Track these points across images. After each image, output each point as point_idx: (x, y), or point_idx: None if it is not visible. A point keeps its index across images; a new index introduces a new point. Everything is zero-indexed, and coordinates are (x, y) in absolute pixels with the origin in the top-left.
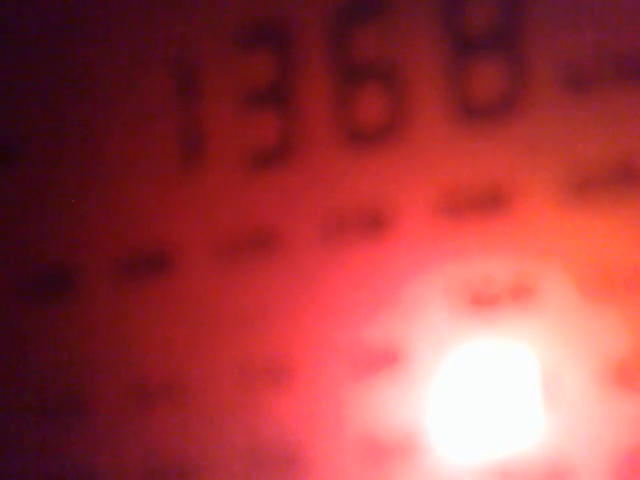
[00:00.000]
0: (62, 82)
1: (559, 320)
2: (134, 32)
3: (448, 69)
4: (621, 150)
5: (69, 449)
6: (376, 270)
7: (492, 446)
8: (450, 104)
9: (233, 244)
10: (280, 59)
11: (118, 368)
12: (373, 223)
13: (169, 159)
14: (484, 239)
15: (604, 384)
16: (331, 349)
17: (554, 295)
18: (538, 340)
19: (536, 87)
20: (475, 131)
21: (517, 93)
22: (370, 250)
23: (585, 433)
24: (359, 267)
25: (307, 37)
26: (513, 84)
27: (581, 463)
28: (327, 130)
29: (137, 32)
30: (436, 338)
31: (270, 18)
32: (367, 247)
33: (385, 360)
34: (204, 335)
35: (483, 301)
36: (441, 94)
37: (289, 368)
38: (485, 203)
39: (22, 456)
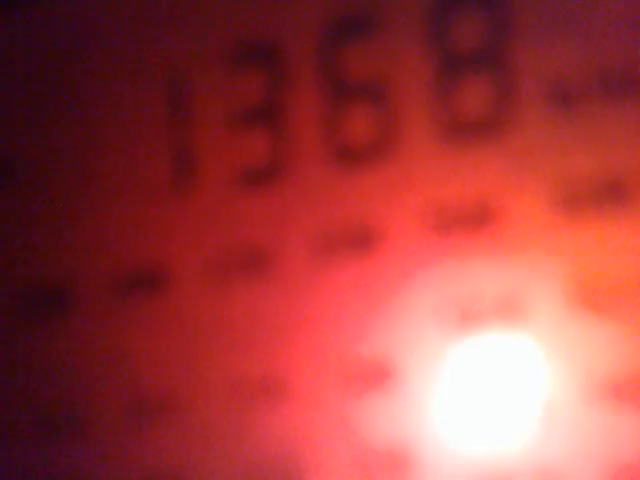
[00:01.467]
0: (55, 102)
1: (547, 335)
2: (125, 53)
3: (436, 87)
4: (608, 166)
5: (65, 467)
6: (365, 286)
7: (482, 458)
8: (438, 122)
9: (224, 262)
10: (269, 78)
11: (113, 385)
12: (362, 240)
13: (161, 178)
14: (472, 255)
15: (593, 398)
16: (323, 365)
17: (542, 310)
18: (527, 355)
19: (523, 104)
20: (463, 148)
21: (504, 110)
22: (359, 267)
23: (575, 447)
24: (349, 284)
25: (296, 57)
26: (500, 101)
27: (571, 476)
28: (316, 148)
29: (128, 53)
30: (426, 353)
31: (259, 38)
32: (356, 264)
33: (376, 375)
34: (198, 352)
35: (472, 316)
36: (429, 112)
37: (282, 384)
38: (473, 219)
39: (19, 475)
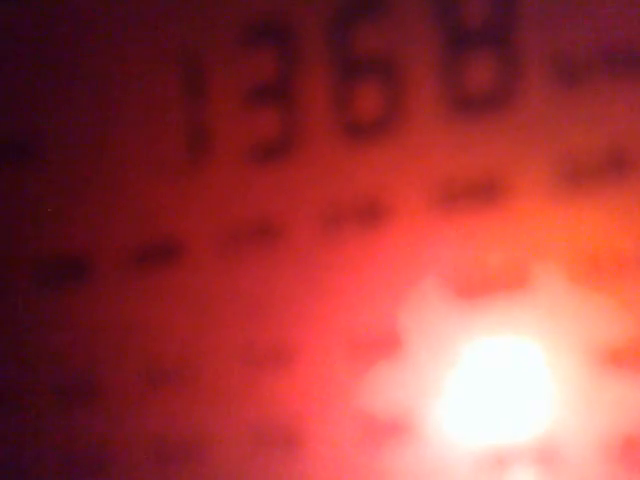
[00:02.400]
0: (76, 82)
1: (551, 305)
2: (142, 33)
3: (443, 64)
4: (611, 141)
5: (80, 432)
6: (374, 258)
7: (486, 429)
8: (445, 98)
9: (237, 234)
10: (281, 56)
11: (128, 353)
12: (371, 213)
13: (176, 154)
14: (478, 228)
15: (595, 368)
16: (331, 333)
17: (547, 281)
18: (531, 326)
19: (528, 80)
20: (469, 124)
21: (510, 86)
22: (368, 239)
23: (577, 418)
24: (357, 255)
25: (307, 35)
26: (506, 78)
27: (573, 447)
28: (327, 124)
29: (145, 33)
30: (432, 324)
31: (271, 17)
32: (365, 237)
33: (383, 343)
34: (211, 320)
35: (477, 288)
36: (436, 88)
37: (291, 351)
38: (479, 193)
39: (38, 437)
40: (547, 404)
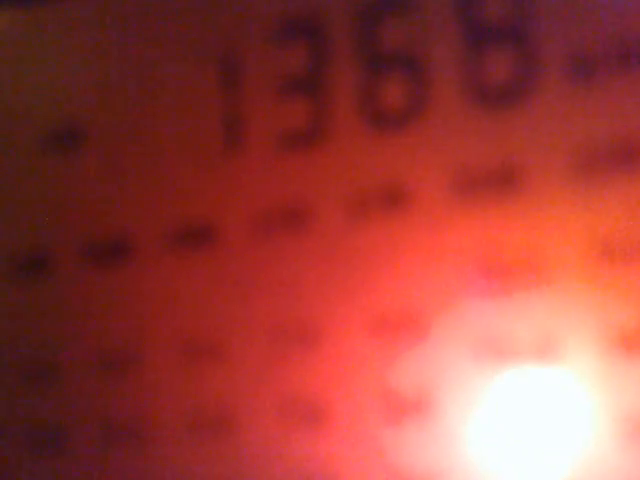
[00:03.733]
0: (121, 76)
1: (570, 287)
2: (184, 30)
3: (464, 58)
4: (623, 132)
5: (124, 399)
6: (397, 242)
7: (504, 404)
8: (466, 91)
9: (268, 218)
10: (312, 51)
11: (168, 327)
12: (394, 199)
13: (212, 142)
14: (497, 213)
15: (610, 351)
16: (356, 314)
17: (564, 263)
18: (548, 308)
19: (545, 73)
20: (489, 116)
21: (527, 80)
22: (391, 224)
23: (593, 397)
24: (381, 239)
25: (336, 31)
26: (524, 71)
27: (588, 426)
28: (353, 114)
29: (186, 30)
30: (452, 304)
31: (303, 14)
32: (388, 221)
33: (405, 324)
34: (242, 300)
35: (495, 271)
36: (457, 81)
37: (318, 330)
38: (498, 180)
39: (81, 406)
40: (560, 386)
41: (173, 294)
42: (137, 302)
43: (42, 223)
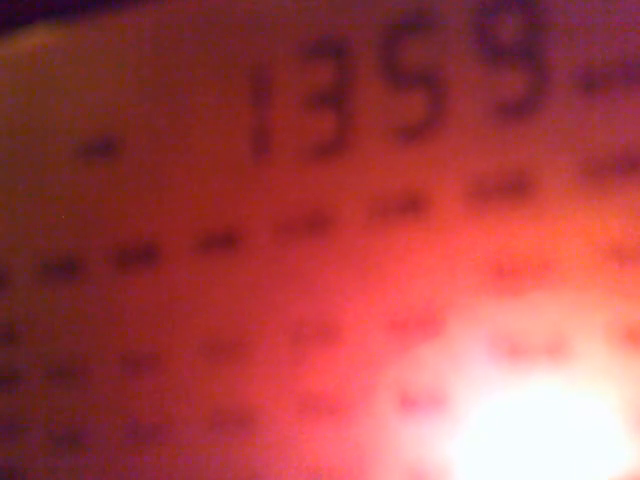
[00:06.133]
0: (157, 89)
1: (580, 287)
2: (218, 48)
3: (480, 75)
4: (629, 142)
5: (145, 397)
6: (414, 246)
7: (519, 400)
8: (481, 104)
9: (292, 224)
10: (336, 68)
11: (191, 328)
12: (413, 206)
13: (242, 153)
14: (510, 219)
15: (619, 347)
16: (374, 314)
17: (574, 265)
18: (560, 307)
19: (555, 89)
20: (503, 128)
21: (539, 94)
22: (410, 229)
23: (601, 392)
24: (400, 243)
25: (361, 49)
26: (536, 87)
27: (598, 417)
28: (376, 127)
29: (220, 48)
30: (467, 305)
31: (329, 34)
32: (407, 226)
33: (422, 324)
34: (264, 301)
35: (508, 273)
36: (473, 96)
37: (337, 330)
38: (511, 189)
39: (105, 404)
40: (569, 378)
41: (200, 298)
42: (164, 305)
43: (75, 230)
